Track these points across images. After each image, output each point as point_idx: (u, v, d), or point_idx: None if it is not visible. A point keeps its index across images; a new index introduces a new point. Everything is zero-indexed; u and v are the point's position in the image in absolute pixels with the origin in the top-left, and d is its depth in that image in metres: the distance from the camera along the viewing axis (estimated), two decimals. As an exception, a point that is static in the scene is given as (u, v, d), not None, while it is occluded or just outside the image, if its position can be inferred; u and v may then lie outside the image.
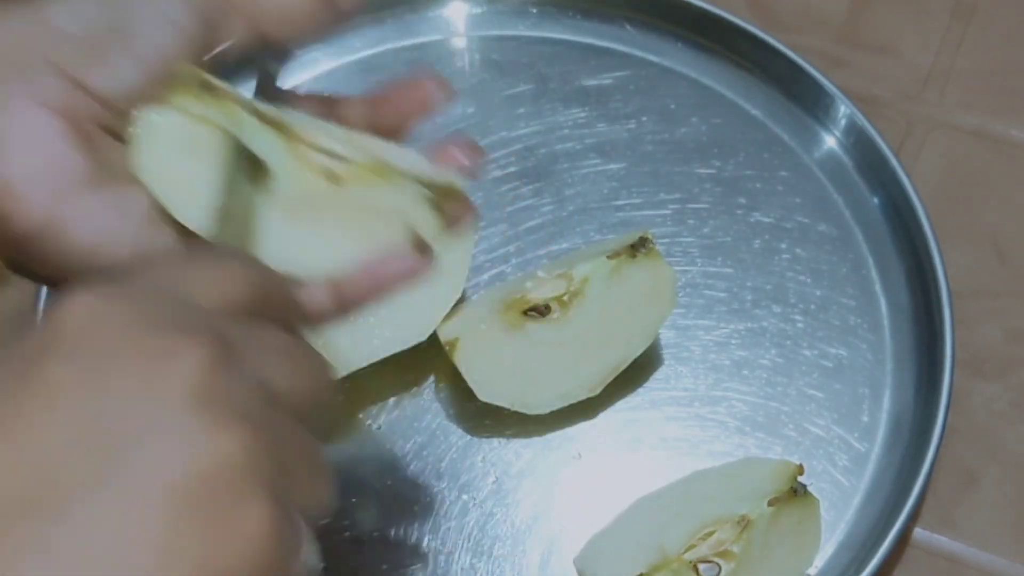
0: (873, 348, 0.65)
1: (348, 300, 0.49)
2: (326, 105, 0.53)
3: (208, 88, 0.47)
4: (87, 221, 0.45)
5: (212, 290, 0.37)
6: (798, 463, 0.60)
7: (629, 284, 0.62)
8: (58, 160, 0.45)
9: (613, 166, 0.71)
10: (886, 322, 0.66)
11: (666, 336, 0.65)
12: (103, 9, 0.46)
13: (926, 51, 0.75)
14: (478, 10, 0.76)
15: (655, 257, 0.63)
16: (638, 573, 0.57)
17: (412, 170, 0.50)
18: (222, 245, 0.46)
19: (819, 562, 0.60)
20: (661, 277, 0.63)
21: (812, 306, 0.66)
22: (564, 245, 0.68)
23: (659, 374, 0.65)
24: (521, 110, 0.72)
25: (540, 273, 0.64)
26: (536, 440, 0.63)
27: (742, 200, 0.69)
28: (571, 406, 0.62)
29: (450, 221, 0.50)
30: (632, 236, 0.63)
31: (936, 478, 0.62)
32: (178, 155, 0.47)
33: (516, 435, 0.63)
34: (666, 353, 0.65)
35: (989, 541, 0.62)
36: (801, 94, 0.72)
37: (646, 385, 0.64)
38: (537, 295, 0.63)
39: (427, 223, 0.50)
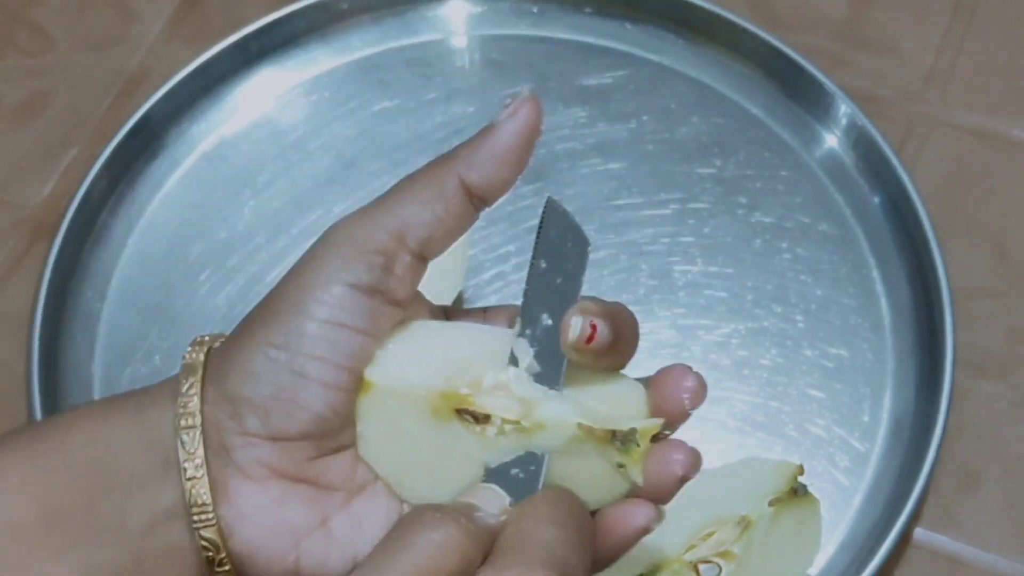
0: (874, 348, 0.65)
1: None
2: None
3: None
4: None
5: None
6: (799, 463, 0.60)
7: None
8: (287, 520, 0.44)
9: (613, 166, 0.70)
10: (887, 322, 0.66)
11: (666, 336, 0.65)
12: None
13: (927, 50, 0.74)
14: (478, 9, 0.76)
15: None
16: (638, 573, 0.57)
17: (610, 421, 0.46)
18: None
19: (820, 562, 0.60)
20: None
21: (813, 306, 0.66)
22: (564, 245, 0.68)
23: (659, 374, 0.64)
24: (521, 110, 0.72)
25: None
26: (536, 440, 0.63)
27: (742, 200, 0.69)
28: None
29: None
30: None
31: (937, 478, 0.62)
32: (393, 432, 0.45)
33: (516, 435, 0.62)
34: (666, 353, 0.65)
35: (990, 541, 0.61)
36: (802, 93, 0.71)
37: (646, 385, 0.64)
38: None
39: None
